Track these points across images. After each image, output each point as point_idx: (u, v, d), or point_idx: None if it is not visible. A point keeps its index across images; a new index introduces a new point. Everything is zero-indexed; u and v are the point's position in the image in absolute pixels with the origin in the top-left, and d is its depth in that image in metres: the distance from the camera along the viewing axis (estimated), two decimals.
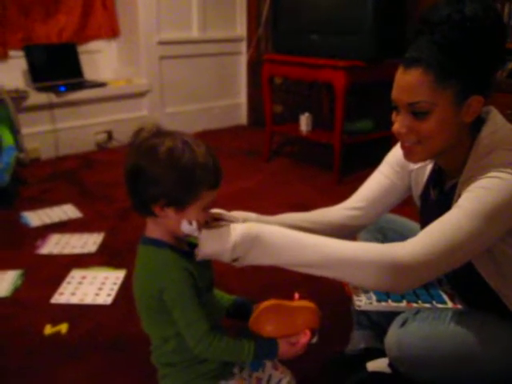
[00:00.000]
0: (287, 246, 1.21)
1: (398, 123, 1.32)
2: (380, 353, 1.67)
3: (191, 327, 1.21)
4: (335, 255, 1.21)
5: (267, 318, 1.31)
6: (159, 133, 1.20)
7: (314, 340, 1.30)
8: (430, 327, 1.40)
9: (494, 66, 1.30)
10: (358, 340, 1.78)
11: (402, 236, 1.70)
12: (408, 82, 1.26)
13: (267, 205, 3.23)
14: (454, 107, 1.26)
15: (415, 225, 1.65)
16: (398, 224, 1.76)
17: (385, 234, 1.73)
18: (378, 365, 1.70)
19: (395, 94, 1.31)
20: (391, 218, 1.76)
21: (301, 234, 1.25)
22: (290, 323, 1.30)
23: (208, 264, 1.30)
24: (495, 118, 1.33)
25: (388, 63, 3.59)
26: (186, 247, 1.28)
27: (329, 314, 1.94)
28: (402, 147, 1.37)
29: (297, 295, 1.39)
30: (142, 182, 1.16)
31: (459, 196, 1.28)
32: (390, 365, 1.62)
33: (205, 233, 1.21)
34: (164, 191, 1.15)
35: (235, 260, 1.21)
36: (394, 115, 1.35)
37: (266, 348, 1.27)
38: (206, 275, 1.28)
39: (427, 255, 1.19)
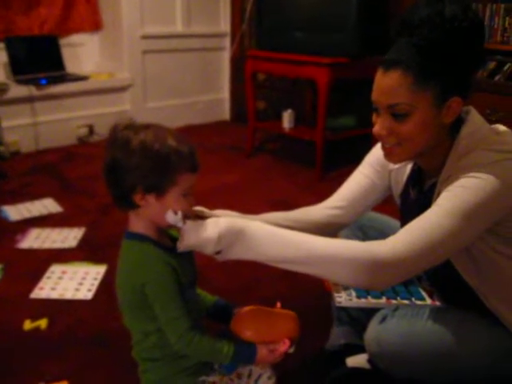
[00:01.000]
0: (270, 241, 1.22)
1: (378, 125, 1.33)
2: (360, 349, 1.69)
3: (172, 323, 1.22)
4: (316, 252, 1.21)
5: (248, 322, 1.32)
6: (133, 126, 1.22)
7: (292, 350, 1.32)
8: (408, 324, 1.41)
9: (474, 66, 1.31)
10: (338, 336, 1.79)
11: (382, 234, 1.71)
12: (387, 84, 1.27)
13: (249, 200, 3.24)
14: (433, 109, 1.27)
15: (396, 223, 1.67)
16: (378, 222, 1.77)
17: (365, 232, 1.74)
18: (358, 360, 1.71)
19: (375, 95, 1.32)
20: (372, 217, 1.77)
21: (284, 230, 1.26)
22: (270, 330, 1.31)
23: (191, 260, 1.30)
24: (474, 119, 1.34)
25: (371, 60, 3.60)
26: (169, 242, 1.29)
27: (309, 309, 1.96)
28: (383, 148, 1.38)
29: (279, 304, 1.41)
30: (119, 174, 1.19)
31: (438, 195, 1.29)
32: (370, 361, 1.64)
33: (189, 223, 1.21)
34: (141, 178, 1.17)
35: (218, 253, 1.21)
36: (374, 116, 1.35)
37: (245, 352, 1.28)
38: (189, 271, 1.29)
39: (406, 252, 1.20)
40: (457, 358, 1.39)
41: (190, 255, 1.29)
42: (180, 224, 1.21)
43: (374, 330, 1.45)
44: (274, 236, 1.23)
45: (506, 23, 3.17)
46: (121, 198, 1.22)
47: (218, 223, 1.20)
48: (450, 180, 1.28)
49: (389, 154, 1.37)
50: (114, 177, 1.20)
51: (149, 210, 1.21)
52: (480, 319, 1.41)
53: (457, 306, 1.46)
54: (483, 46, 1.31)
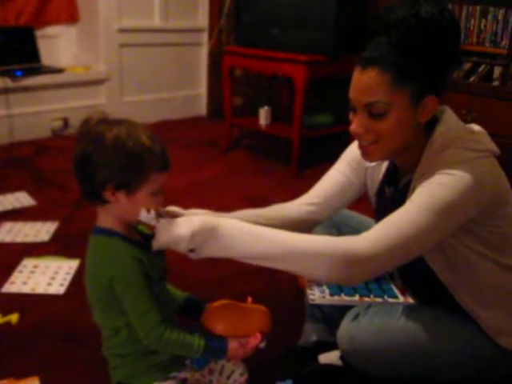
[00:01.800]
0: (244, 238, 1.22)
1: (356, 123, 1.33)
2: (332, 346, 1.69)
3: (141, 317, 1.22)
4: (292, 247, 1.22)
5: (220, 316, 1.32)
6: (106, 121, 1.21)
7: (263, 345, 1.32)
8: (381, 322, 1.42)
9: (449, 66, 1.32)
10: (311, 333, 1.79)
11: (356, 232, 1.72)
12: (365, 82, 1.28)
13: (224, 196, 3.23)
14: (410, 107, 1.28)
15: (370, 221, 1.67)
16: (353, 220, 1.78)
17: (340, 230, 1.75)
18: (330, 357, 1.72)
19: (352, 94, 1.32)
20: (347, 214, 1.78)
21: (258, 227, 1.26)
22: (241, 324, 1.32)
23: (161, 254, 1.30)
24: (449, 118, 1.35)
25: (348, 58, 3.61)
26: (137, 237, 1.29)
27: (282, 306, 1.96)
28: (360, 147, 1.38)
29: (250, 299, 1.41)
30: (90, 168, 1.18)
31: (413, 191, 1.30)
32: (342, 357, 1.65)
33: (162, 221, 1.21)
34: (112, 174, 1.17)
35: (192, 250, 1.21)
36: (350, 115, 1.36)
37: (216, 345, 1.29)
38: (159, 265, 1.29)
39: (380, 248, 1.21)
40: (429, 355, 1.40)
41: (160, 250, 1.29)
42: (153, 222, 1.21)
43: (346, 328, 1.46)
44: (248, 233, 1.23)
45: (482, 25, 3.20)
46: (90, 193, 1.21)
47: (192, 221, 1.20)
48: (424, 177, 1.29)
49: (365, 153, 1.38)
50: (84, 171, 1.19)
51: (118, 207, 1.21)
52: (452, 316, 1.42)
53: (429, 303, 1.47)
54: (459, 46, 1.33)
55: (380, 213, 1.53)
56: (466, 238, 1.33)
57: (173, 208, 1.34)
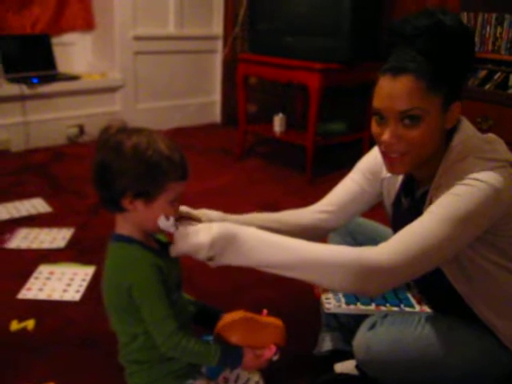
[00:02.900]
0: (263, 247, 1.23)
1: (388, 133, 1.30)
2: (348, 355, 1.69)
3: (159, 324, 1.22)
4: (309, 257, 1.22)
5: (235, 327, 1.32)
6: (126, 129, 1.22)
7: (276, 357, 1.32)
8: (397, 331, 1.42)
9: (469, 72, 1.35)
10: (326, 341, 1.79)
11: (371, 240, 1.72)
12: (399, 89, 1.26)
13: (238, 204, 3.24)
14: (441, 113, 1.29)
15: (386, 229, 1.67)
16: (368, 228, 1.77)
17: (355, 238, 1.75)
18: (346, 366, 1.72)
19: (382, 102, 1.29)
20: (362, 222, 1.78)
21: (275, 236, 1.26)
22: (257, 336, 1.32)
23: (177, 261, 1.30)
24: (465, 127, 1.35)
25: (362, 66, 3.64)
26: (155, 245, 1.29)
27: (298, 314, 1.96)
28: (388, 159, 1.35)
29: (265, 311, 1.41)
30: (108, 177, 1.18)
31: (430, 202, 1.30)
32: (358, 367, 1.64)
33: (182, 229, 1.22)
34: (131, 183, 1.17)
35: (210, 259, 1.22)
36: (374, 125, 1.34)
37: (232, 355, 1.29)
38: (175, 272, 1.29)
39: (399, 259, 1.21)
40: (445, 366, 1.39)
41: (175, 258, 1.29)
42: (172, 229, 1.22)
43: (362, 337, 1.46)
44: (266, 241, 1.23)
45: (497, 32, 3.19)
46: (108, 201, 1.22)
47: (211, 229, 1.21)
48: (442, 187, 1.29)
49: (394, 165, 1.35)
50: (103, 179, 1.19)
51: (136, 215, 1.21)
52: (468, 326, 1.41)
53: (445, 312, 1.47)
54: (474, 50, 1.35)
55: (397, 223, 1.52)
56: (482, 248, 1.33)
57: (184, 208, 1.35)
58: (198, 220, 1.36)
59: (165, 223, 1.21)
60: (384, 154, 1.36)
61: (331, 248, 1.28)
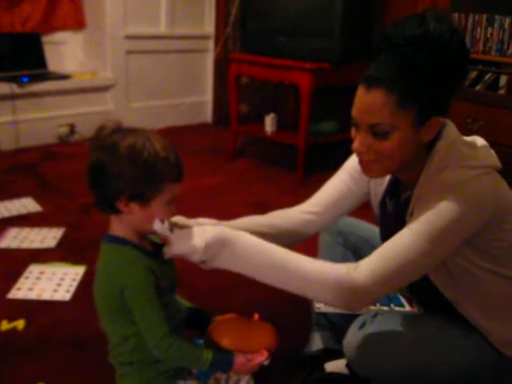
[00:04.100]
0: (255, 258, 1.26)
1: (358, 142, 1.32)
2: (338, 354, 1.69)
3: (151, 328, 1.21)
4: (298, 275, 1.26)
5: (226, 330, 1.32)
6: (121, 130, 1.21)
7: (267, 362, 1.32)
8: (387, 331, 1.42)
9: (455, 88, 1.29)
10: (317, 341, 1.79)
11: (362, 240, 1.74)
12: (369, 102, 1.25)
13: (229, 204, 3.24)
14: (413, 128, 1.26)
15: (376, 229, 1.67)
16: (359, 228, 1.78)
17: (346, 238, 1.75)
18: (337, 365, 1.72)
19: (356, 112, 1.30)
20: (352, 222, 1.78)
21: (270, 245, 1.29)
22: (247, 340, 1.32)
23: (171, 265, 1.30)
24: (449, 132, 1.33)
25: (353, 66, 3.65)
26: (149, 246, 1.29)
27: (288, 314, 1.96)
28: (360, 162, 1.37)
29: (256, 315, 1.41)
30: (104, 179, 1.17)
31: (411, 213, 1.31)
32: (348, 366, 1.65)
33: (177, 232, 1.23)
34: (126, 185, 1.16)
35: (203, 262, 1.23)
36: (353, 131, 1.34)
37: (223, 359, 1.28)
38: (169, 275, 1.29)
39: (379, 280, 1.25)
40: (434, 366, 1.40)
41: (170, 260, 1.29)
42: (167, 233, 1.22)
43: (352, 336, 1.46)
44: (259, 254, 1.26)
45: (488, 33, 3.21)
46: (103, 202, 1.21)
47: (205, 232, 1.22)
48: (422, 200, 1.29)
49: (365, 169, 1.37)
50: (97, 180, 1.19)
51: (131, 217, 1.21)
52: (458, 325, 1.42)
53: (434, 312, 1.47)
54: (466, 67, 1.31)
55: (383, 225, 1.55)
56: (468, 253, 1.33)
57: (179, 218, 1.35)
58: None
59: (160, 226, 1.21)
60: (358, 159, 1.37)
61: (317, 265, 1.29)
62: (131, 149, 1.16)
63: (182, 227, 1.27)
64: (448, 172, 1.28)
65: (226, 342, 1.30)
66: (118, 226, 1.25)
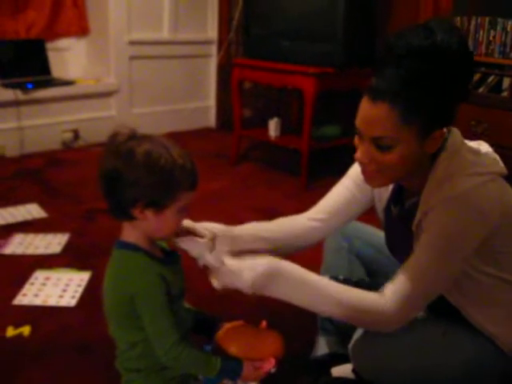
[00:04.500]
0: (299, 289, 1.33)
1: (360, 152, 1.32)
2: (344, 358, 1.69)
3: (161, 335, 1.21)
4: (338, 304, 1.33)
5: (235, 338, 1.33)
6: (135, 136, 1.19)
7: (274, 370, 1.33)
8: (393, 335, 1.42)
9: (460, 99, 1.28)
10: (323, 345, 1.79)
11: (367, 244, 1.74)
12: (373, 116, 1.24)
13: (233, 208, 3.24)
14: (417, 141, 1.26)
15: (381, 234, 1.68)
16: (364, 233, 1.78)
17: (351, 243, 1.75)
18: (343, 370, 1.72)
19: (359, 123, 1.29)
20: (358, 227, 1.78)
21: (312, 278, 1.35)
22: (255, 348, 1.32)
23: (181, 272, 1.31)
24: (453, 140, 1.33)
25: (357, 70, 3.65)
26: (160, 253, 1.29)
27: (294, 319, 1.96)
28: (363, 172, 1.37)
29: (264, 323, 1.41)
30: (119, 186, 1.16)
31: (419, 222, 1.32)
32: (355, 371, 1.64)
33: (228, 264, 1.28)
34: (142, 193, 1.15)
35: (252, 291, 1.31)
36: (356, 140, 1.34)
37: (231, 367, 1.28)
38: (179, 282, 1.29)
39: (406, 309, 1.31)
40: (441, 370, 1.39)
41: (179, 267, 1.29)
42: (217, 265, 1.27)
43: (358, 341, 1.46)
44: (303, 284, 1.33)
45: (491, 36, 3.21)
46: (117, 209, 1.20)
47: (255, 269, 1.28)
48: (429, 214, 1.29)
49: (368, 179, 1.38)
50: (112, 188, 1.17)
51: (145, 224, 1.20)
52: (463, 329, 1.41)
53: (439, 314, 1.47)
54: (471, 80, 1.29)
55: (389, 231, 1.56)
56: (475, 261, 1.33)
57: (186, 222, 1.36)
58: (201, 236, 1.39)
59: (212, 259, 1.26)
60: (361, 168, 1.38)
61: (360, 296, 1.34)
62: (148, 156, 1.15)
63: (191, 239, 1.30)
64: (453, 181, 1.27)
65: (233, 349, 1.30)
66: (131, 233, 1.24)
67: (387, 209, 1.55)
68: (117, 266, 1.25)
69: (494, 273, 1.35)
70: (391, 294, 1.30)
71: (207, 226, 1.43)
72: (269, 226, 1.58)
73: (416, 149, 1.27)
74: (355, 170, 1.58)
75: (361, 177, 1.51)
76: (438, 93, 1.21)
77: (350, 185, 1.59)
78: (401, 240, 1.46)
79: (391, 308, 1.30)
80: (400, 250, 1.49)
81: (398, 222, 1.47)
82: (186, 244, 1.35)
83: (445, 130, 1.28)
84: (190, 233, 1.37)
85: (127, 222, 1.24)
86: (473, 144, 1.38)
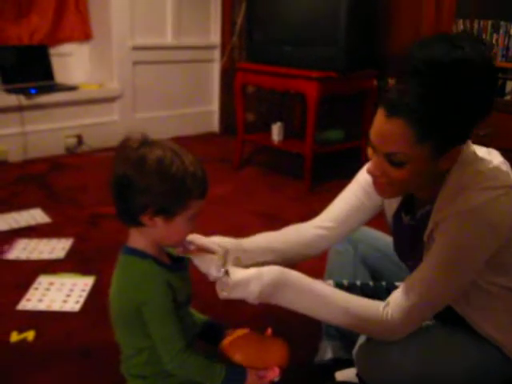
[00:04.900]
0: (304, 299, 1.34)
1: (373, 165, 1.30)
2: (349, 363, 1.69)
3: (167, 343, 1.20)
4: (343, 313, 1.34)
5: (240, 345, 1.32)
6: (147, 142, 1.18)
7: (278, 379, 1.32)
8: (397, 341, 1.41)
9: (482, 117, 1.22)
10: (327, 350, 1.79)
11: (372, 248, 1.74)
12: (387, 131, 1.21)
13: (237, 212, 3.24)
14: (432, 159, 1.23)
15: (386, 238, 1.67)
16: (369, 236, 1.77)
17: (355, 246, 1.75)
18: (347, 374, 1.72)
19: (374, 137, 1.26)
20: (363, 230, 1.77)
21: (318, 286, 1.36)
22: (260, 356, 1.32)
23: (187, 277, 1.30)
24: (466, 150, 1.30)
25: (359, 74, 3.66)
26: (167, 259, 1.28)
27: (298, 323, 1.96)
28: (374, 183, 1.35)
29: (270, 330, 1.41)
30: (129, 192, 1.15)
31: (431, 233, 1.31)
32: (358, 375, 1.64)
33: (234, 277, 1.28)
34: (153, 200, 1.14)
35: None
36: (369, 151, 1.31)
37: (236, 375, 1.27)
38: (186, 288, 1.28)
39: (411, 320, 1.33)
40: (445, 376, 1.39)
41: (187, 273, 1.29)
42: (224, 279, 1.27)
43: (362, 346, 1.46)
44: (309, 292, 1.34)
45: (494, 39, 3.21)
46: (126, 215, 1.19)
47: (262, 279, 1.29)
48: (442, 226, 1.28)
49: (379, 190, 1.36)
50: (123, 194, 1.16)
51: (154, 231, 1.19)
52: (468, 336, 1.40)
53: (445, 320, 1.46)
54: (494, 97, 1.23)
55: (398, 238, 1.55)
56: (485, 272, 1.32)
57: (197, 237, 1.38)
58: (212, 252, 1.39)
59: (217, 272, 1.26)
60: (372, 180, 1.36)
61: (364, 306, 1.35)
62: (159, 163, 1.14)
63: (201, 256, 1.32)
64: (467, 194, 1.25)
65: (238, 357, 1.30)
66: (138, 238, 1.23)
67: (397, 215, 1.53)
68: (124, 272, 1.24)
69: (503, 283, 1.34)
70: (397, 304, 1.31)
71: (219, 242, 1.43)
72: (276, 236, 1.57)
73: (429, 166, 1.25)
74: (364, 175, 1.54)
75: (370, 183, 1.49)
76: (458, 111, 1.17)
77: (358, 191, 1.57)
78: (410, 247, 1.45)
79: (396, 319, 1.31)
80: (409, 256, 1.49)
81: (409, 230, 1.46)
82: (198, 261, 1.36)
83: (461, 146, 1.25)
84: (202, 249, 1.38)
85: (135, 229, 1.22)
86: (484, 153, 1.34)
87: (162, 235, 1.21)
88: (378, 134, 1.24)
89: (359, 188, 1.57)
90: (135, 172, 1.14)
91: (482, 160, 1.31)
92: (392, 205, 1.54)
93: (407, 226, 1.48)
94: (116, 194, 1.17)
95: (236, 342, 1.33)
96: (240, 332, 1.36)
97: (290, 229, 1.61)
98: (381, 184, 1.33)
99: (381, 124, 1.22)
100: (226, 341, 1.33)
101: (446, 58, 1.14)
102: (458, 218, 1.24)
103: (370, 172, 1.32)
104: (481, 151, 1.34)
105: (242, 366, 1.29)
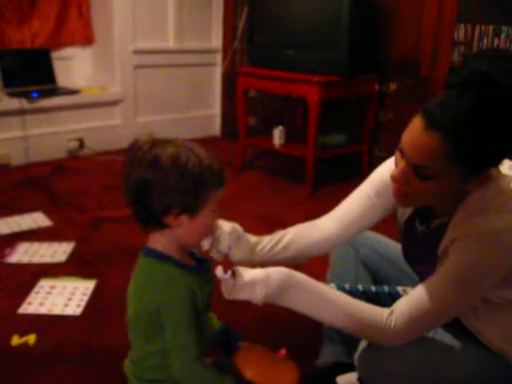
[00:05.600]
0: (309, 302, 1.34)
1: (398, 171, 1.25)
2: (350, 367, 1.68)
3: (180, 349, 1.19)
4: (347, 317, 1.34)
5: (252, 362, 1.32)
6: (157, 142, 1.17)
7: None
8: (399, 346, 1.41)
9: None
10: (328, 354, 1.78)
11: (374, 252, 1.73)
12: (421, 142, 1.16)
13: (238, 216, 3.19)
14: (461, 179, 1.20)
15: (388, 242, 1.67)
16: (371, 240, 1.77)
17: (356, 249, 1.75)
18: (348, 379, 1.71)
19: (405, 144, 1.21)
20: (365, 234, 1.76)
21: (319, 287, 1.35)
22: (270, 375, 1.32)
23: (210, 280, 1.28)
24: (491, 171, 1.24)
25: (360, 78, 3.66)
26: (190, 261, 1.26)
27: (300, 327, 1.95)
28: (393, 189, 1.31)
29: (284, 351, 1.40)
30: (150, 195, 1.12)
31: (445, 249, 1.29)
32: (360, 379, 1.63)
33: (241, 279, 1.26)
34: (176, 199, 1.13)
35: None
36: (397, 156, 1.28)
37: None
38: (207, 292, 1.26)
39: (415, 329, 1.33)
40: (448, 381, 1.38)
41: (210, 276, 1.27)
42: (230, 281, 1.25)
43: (364, 350, 1.45)
44: (313, 294, 1.33)
45: (495, 44, 3.21)
46: (149, 218, 1.16)
47: (268, 282, 1.28)
48: (458, 243, 1.24)
49: (398, 198, 1.32)
50: (143, 198, 1.13)
51: (178, 230, 1.17)
52: (470, 342, 1.40)
53: (447, 326, 1.46)
54: None
55: (408, 244, 1.53)
56: (496, 288, 1.31)
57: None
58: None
59: (222, 275, 1.22)
60: (393, 185, 1.31)
61: (370, 312, 1.35)
62: (175, 161, 1.12)
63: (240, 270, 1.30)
64: (487, 215, 1.21)
65: (249, 373, 1.29)
66: (160, 240, 1.21)
67: (410, 222, 1.49)
68: (144, 275, 1.22)
69: (508, 296, 1.32)
70: (402, 314, 1.31)
71: (225, 225, 1.50)
72: (283, 237, 1.57)
73: (457, 185, 1.21)
74: (379, 176, 1.52)
75: (382, 184, 1.48)
76: (504, 137, 1.12)
77: (370, 192, 1.53)
78: (421, 254, 1.44)
79: (399, 329, 1.31)
80: (419, 263, 1.48)
81: (422, 238, 1.43)
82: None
83: (493, 169, 1.21)
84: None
85: (157, 231, 1.20)
86: (506, 169, 1.29)
87: (188, 233, 1.18)
88: (411, 144, 1.20)
89: (371, 188, 1.53)
90: (153, 174, 1.12)
91: (504, 177, 1.26)
92: (405, 211, 1.51)
93: (420, 233, 1.45)
94: (135, 199, 1.15)
95: (249, 358, 1.33)
96: (254, 348, 1.37)
97: (297, 229, 1.60)
98: (401, 191, 1.28)
99: (417, 134, 1.17)
100: (240, 355, 1.33)
101: (504, 79, 1.07)
102: (476, 238, 1.21)
103: (394, 178, 1.27)
104: (504, 166, 1.30)
105: (251, 382, 1.29)
